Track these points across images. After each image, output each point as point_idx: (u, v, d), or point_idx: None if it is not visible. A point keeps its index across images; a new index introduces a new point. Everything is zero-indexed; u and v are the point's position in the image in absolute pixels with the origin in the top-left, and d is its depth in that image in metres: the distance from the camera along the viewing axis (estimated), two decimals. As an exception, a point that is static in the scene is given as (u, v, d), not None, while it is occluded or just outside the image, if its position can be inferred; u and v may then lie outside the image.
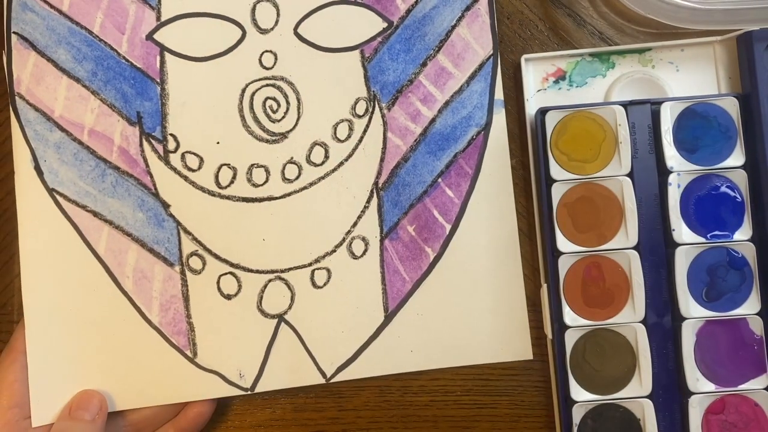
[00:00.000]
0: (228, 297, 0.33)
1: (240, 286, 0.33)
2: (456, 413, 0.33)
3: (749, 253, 0.31)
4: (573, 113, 0.31)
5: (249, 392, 0.32)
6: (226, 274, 0.33)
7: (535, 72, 0.33)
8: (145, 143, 0.33)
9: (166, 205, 0.33)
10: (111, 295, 0.32)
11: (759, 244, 0.31)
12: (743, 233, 0.31)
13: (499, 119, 0.34)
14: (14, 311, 0.33)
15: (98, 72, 0.33)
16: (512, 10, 0.34)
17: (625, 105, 0.31)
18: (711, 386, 0.30)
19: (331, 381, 0.32)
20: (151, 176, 0.33)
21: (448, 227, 0.34)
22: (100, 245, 0.32)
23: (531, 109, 0.33)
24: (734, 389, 0.30)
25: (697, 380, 0.30)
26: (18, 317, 0.33)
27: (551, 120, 0.31)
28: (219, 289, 0.33)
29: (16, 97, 0.32)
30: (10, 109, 0.32)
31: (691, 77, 0.33)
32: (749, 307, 0.31)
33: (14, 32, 0.32)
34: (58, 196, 0.32)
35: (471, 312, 0.33)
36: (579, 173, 0.31)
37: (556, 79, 0.33)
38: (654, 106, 0.31)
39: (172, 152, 0.33)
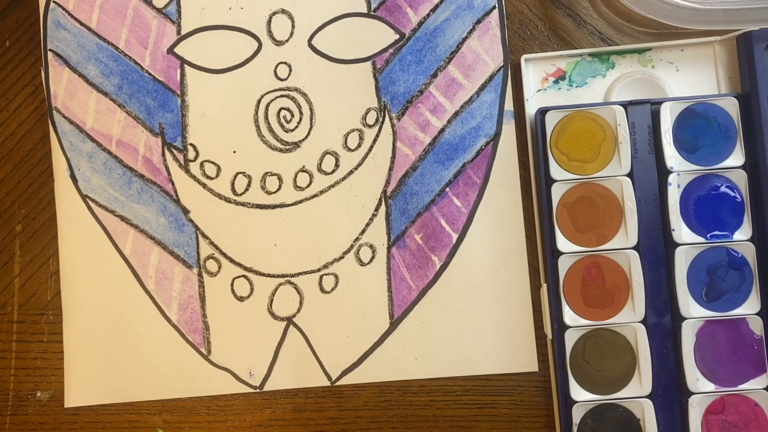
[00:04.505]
0: (241, 299, 0.46)
1: (252, 289, 0.47)
2: (456, 413, 0.45)
3: (749, 253, 0.41)
4: (573, 113, 0.43)
5: (258, 390, 0.46)
6: (239, 277, 0.47)
7: (534, 72, 0.45)
8: (167, 153, 0.48)
9: (186, 211, 0.47)
10: (135, 293, 0.46)
11: (759, 244, 0.41)
12: (743, 233, 0.41)
13: (509, 130, 0.46)
14: (14, 311, 0.47)
15: (124, 86, 0.48)
16: (512, 10, 0.46)
17: (625, 105, 0.43)
18: (711, 386, 0.41)
19: (335, 384, 0.45)
20: (173, 184, 0.47)
21: (455, 236, 0.46)
22: (126, 247, 0.47)
23: (531, 109, 0.45)
24: (734, 389, 0.40)
25: (697, 380, 0.41)
26: (18, 317, 0.47)
27: (551, 120, 0.43)
28: (233, 291, 0.46)
29: (54, 111, 0.49)
30: (49, 122, 0.49)
31: (691, 77, 0.44)
32: (749, 307, 0.41)
33: (50, 50, 0.49)
34: (90, 202, 0.47)
35: (476, 322, 0.45)
36: (579, 173, 0.43)
37: (556, 79, 0.45)
38: (654, 106, 0.43)
39: (191, 161, 0.48)
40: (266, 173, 0.47)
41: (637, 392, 0.42)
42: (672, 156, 0.43)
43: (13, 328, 0.47)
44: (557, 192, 0.43)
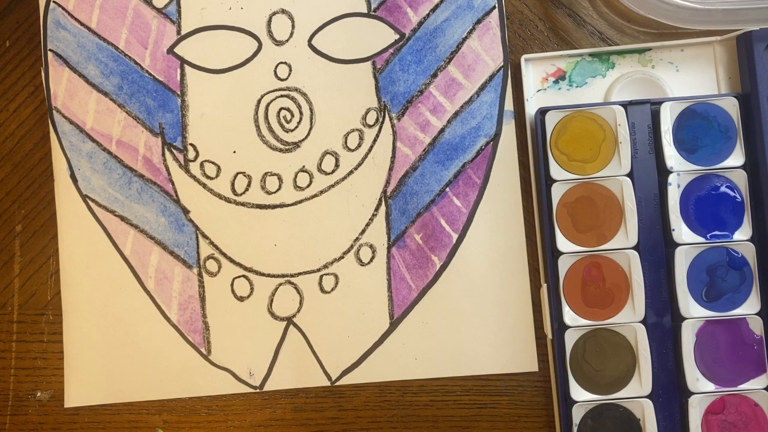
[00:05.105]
0: (241, 299, 0.46)
1: (252, 289, 0.47)
2: (456, 413, 0.45)
3: (749, 253, 0.41)
4: (573, 113, 0.43)
5: (258, 390, 0.46)
6: (239, 277, 0.47)
7: (534, 72, 0.45)
8: (167, 153, 0.48)
9: (186, 211, 0.47)
10: (135, 294, 0.46)
11: (759, 244, 0.41)
12: (743, 233, 0.41)
13: (509, 130, 0.46)
14: (14, 311, 0.47)
15: (124, 86, 0.48)
16: (512, 10, 0.46)
17: (625, 105, 0.43)
18: (711, 386, 0.41)
19: (335, 384, 0.45)
20: (173, 184, 0.47)
21: (455, 236, 0.46)
22: (126, 247, 0.47)
23: (531, 109, 0.45)
24: (734, 389, 0.40)
25: (697, 380, 0.41)
26: (18, 317, 0.47)
27: (551, 120, 0.43)
28: (233, 291, 0.46)
29: (54, 111, 0.49)
30: (49, 122, 0.49)
31: (691, 77, 0.44)
32: (749, 307, 0.41)
33: (50, 50, 0.49)
34: (90, 202, 0.47)
35: (476, 322, 0.45)
36: (579, 173, 0.43)
37: (556, 79, 0.45)
38: (654, 106, 0.43)
39: (191, 161, 0.48)
40: (266, 173, 0.47)
41: (637, 392, 0.42)
42: (672, 156, 0.43)
43: (13, 328, 0.47)
44: (557, 192, 0.43)
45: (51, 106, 0.48)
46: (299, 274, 0.46)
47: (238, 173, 0.47)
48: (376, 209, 0.46)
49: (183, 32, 0.47)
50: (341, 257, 0.46)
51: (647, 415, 0.41)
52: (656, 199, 0.43)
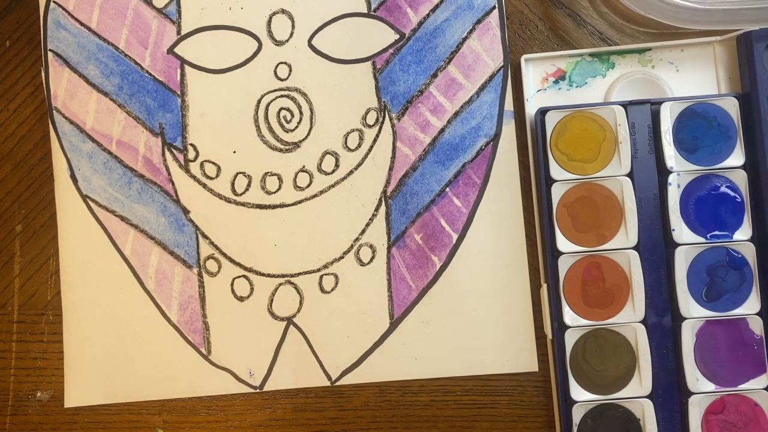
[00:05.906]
0: (241, 299, 0.47)
1: (252, 289, 0.47)
2: (456, 413, 0.45)
3: (749, 253, 0.41)
4: (573, 113, 0.43)
5: (258, 390, 0.46)
6: (239, 277, 0.47)
7: (534, 72, 0.46)
8: (167, 153, 0.48)
9: (186, 211, 0.47)
10: (135, 294, 0.46)
11: (759, 244, 0.41)
12: (743, 233, 0.41)
13: (509, 130, 0.46)
14: (14, 311, 0.47)
15: (124, 86, 0.49)
16: (512, 10, 0.47)
17: (625, 105, 0.43)
18: (711, 386, 0.41)
19: (335, 384, 0.46)
20: (173, 184, 0.47)
21: (455, 236, 0.46)
22: (126, 247, 0.47)
23: (531, 109, 0.45)
24: (734, 389, 0.40)
25: (697, 380, 0.41)
26: (18, 317, 0.47)
27: (551, 120, 0.43)
28: (233, 291, 0.47)
29: (54, 111, 0.49)
30: (49, 122, 0.49)
31: (691, 77, 0.44)
32: (749, 307, 0.41)
33: (50, 50, 0.49)
34: (90, 202, 0.47)
35: (476, 322, 0.45)
36: (579, 173, 0.43)
37: (556, 79, 0.45)
38: (654, 106, 0.43)
39: (191, 161, 0.48)
40: (266, 173, 0.47)
41: (637, 392, 0.42)
42: (672, 156, 0.43)
43: (13, 328, 0.47)
44: (557, 192, 0.43)
45: (51, 106, 0.48)
46: (299, 274, 0.46)
47: (238, 173, 0.47)
48: (376, 209, 0.46)
49: (183, 32, 0.48)
50: (341, 257, 0.46)
51: (647, 415, 0.41)
52: (656, 199, 0.43)
